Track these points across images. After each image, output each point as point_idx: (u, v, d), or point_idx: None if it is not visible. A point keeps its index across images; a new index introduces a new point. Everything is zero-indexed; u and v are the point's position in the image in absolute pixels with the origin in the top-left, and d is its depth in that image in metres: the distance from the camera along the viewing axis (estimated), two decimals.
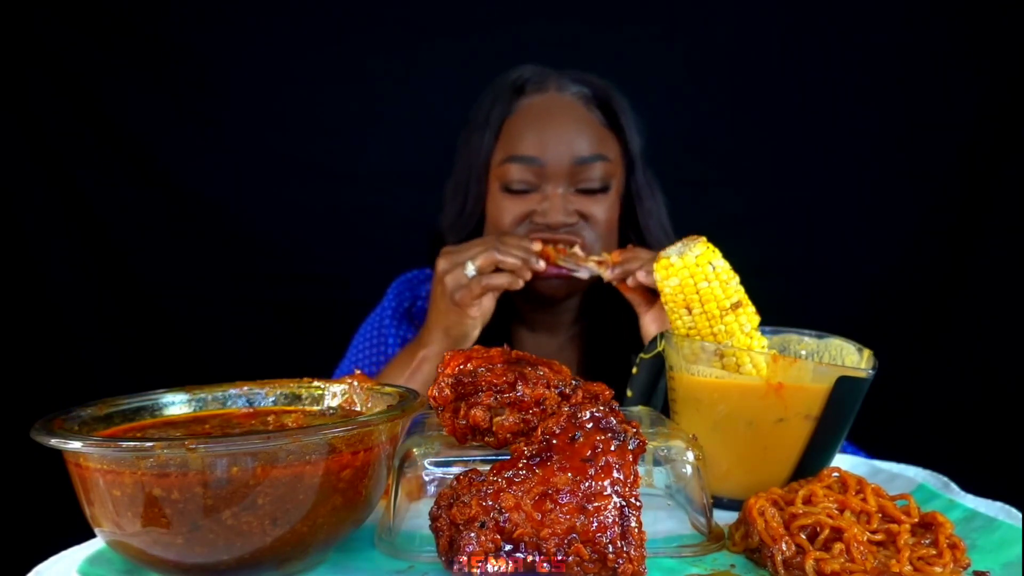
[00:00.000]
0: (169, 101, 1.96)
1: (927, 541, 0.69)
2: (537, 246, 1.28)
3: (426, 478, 0.72)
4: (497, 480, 0.63)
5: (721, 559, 0.71)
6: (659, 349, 0.91)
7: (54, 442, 0.61)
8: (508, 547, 0.62)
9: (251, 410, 0.79)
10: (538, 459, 0.64)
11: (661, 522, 0.75)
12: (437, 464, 0.72)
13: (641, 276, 1.23)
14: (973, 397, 1.99)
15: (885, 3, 1.96)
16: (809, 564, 0.66)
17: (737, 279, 0.84)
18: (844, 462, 0.94)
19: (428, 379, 1.27)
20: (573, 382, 0.69)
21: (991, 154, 1.93)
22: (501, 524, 0.62)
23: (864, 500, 0.72)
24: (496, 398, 0.67)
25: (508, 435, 0.67)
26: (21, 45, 1.89)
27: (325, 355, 1.67)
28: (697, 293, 0.83)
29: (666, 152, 1.93)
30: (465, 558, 0.61)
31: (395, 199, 1.96)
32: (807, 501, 0.72)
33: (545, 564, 0.61)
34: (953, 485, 0.84)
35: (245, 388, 0.80)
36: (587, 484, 0.62)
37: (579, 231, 1.36)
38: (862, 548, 0.67)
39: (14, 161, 1.93)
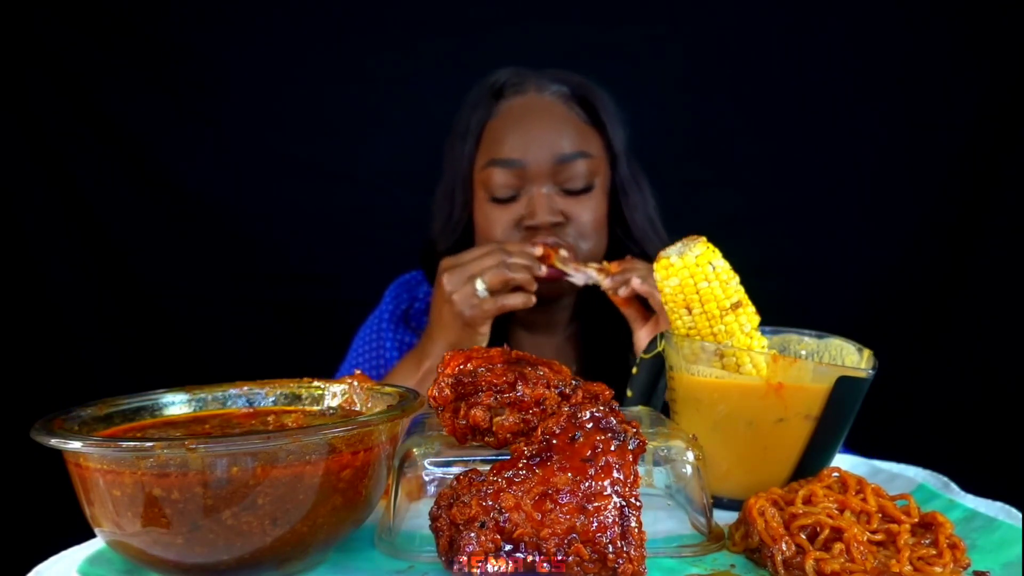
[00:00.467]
0: (169, 101, 1.96)
1: (927, 541, 0.69)
2: (539, 251, 1.28)
3: (426, 478, 0.72)
4: (497, 480, 0.63)
5: (721, 559, 0.71)
6: (659, 349, 0.91)
7: (54, 442, 0.61)
8: (508, 547, 0.62)
9: (251, 410, 0.79)
10: (538, 459, 0.64)
11: (661, 522, 0.75)
12: (437, 464, 0.72)
13: (635, 282, 1.22)
14: (973, 397, 1.99)
15: (885, 3, 1.96)
16: (809, 564, 0.66)
17: (737, 279, 0.84)
18: (844, 462, 0.94)
19: None
20: (573, 382, 0.69)
21: (991, 154, 1.93)
22: (501, 524, 0.62)
23: (864, 500, 0.72)
24: (496, 398, 0.67)
25: (508, 435, 0.67)
26: (21, 45, 1.89)
27: (325, 355, 1.67)
28: (697, 293, 0.83)
29: (666, 152, 1.94)
30: (465, 558, 0.61)
31: (394, 199, 1.96)
32: (807, 501, 0.72)
33: (545, 564, 0.61)
34: (953, 485, 0.84)
35: (245, 388, 0.81)
36: (587, 484, 0.62)
37: (563, 232, 1.35)
38: (862, 548, 0.67)
39: (14, 161, 1.93)
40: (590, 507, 0.62)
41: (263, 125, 2.00)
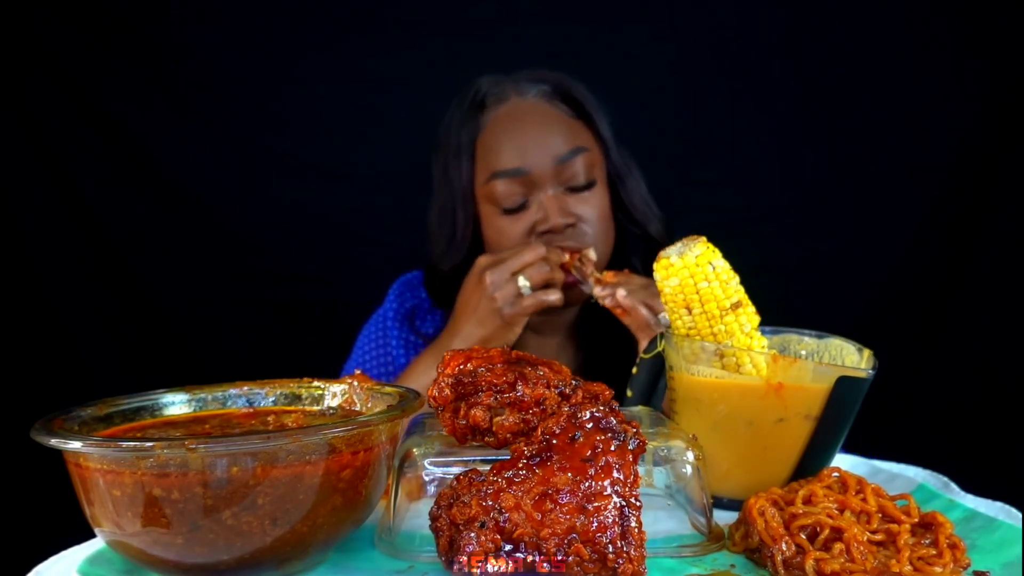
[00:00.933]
0: (169, 101, 1.96)
1: (927, 541, 0.69)
2: (566, 256, 1.29)
3: (426, 478, 0.72)
4: (497, 480, 0.63)
5: (721, 559, 0.71)
6: (659, 349, 0.91)
7: (54, 442, 0.61)
8: (508, 547, 0.62)
9: (251, 410, 0.79)
10: (538, 459, 0.64)
11: (661, 522, 0.75)
12: (437, 464, 0.72)
13: (620, 294, 1.23)
14: (973, 397, 1.98)
15: (885, 3, 1.96)
16: (809, 564, 0.66)
17: (737, 279, 0.84)
18: (844, 462, 0.94)
19: None
20: (573, 382, 0.69)
21: (991, 154, 1.93)
22: (501, 524, 0.62)
23: (864, 500, 0.72)
24: (496, 398, 0.67)
25: (508, 435, 0.67)
26: (21, 45, 1.89)
27: (325, 355, 1.67)
28: (697, 293, 0.83)
29: (665, 152, 1.94)
30: (465, 558, 0.61)
31: (394, 199, 1.96)
32: (807, 501, 0.72)
33: (545, 564, 0.61)
34: (953, 485, 0.84)
35: (245, 388, 0.81)
36: (587, 484, 0.62)
37: (579, 234, 1.36)
38: (862, 548, 0.67)
39: (14, 161, 1.93)
40: (590, 507, 0.62)
41: (263, 125, 2.00)
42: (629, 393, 0.95)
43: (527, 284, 1.25)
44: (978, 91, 1.92)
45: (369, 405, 0.78)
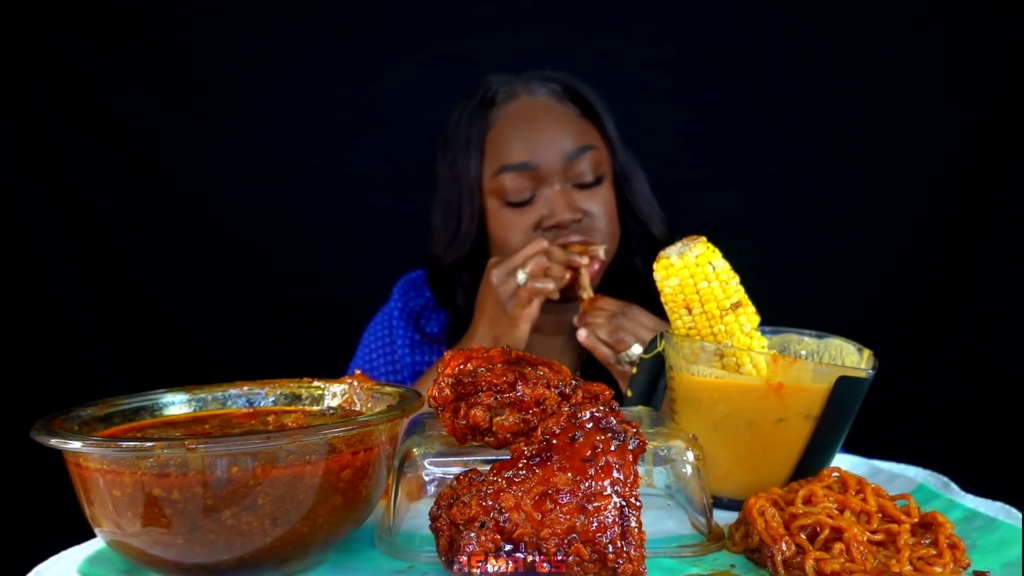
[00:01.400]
0: (169, 101, 1.96)
1: (927, 541, 0.69)
2: (580, 259, 1.30)
3: (426, 478, 0.72)
4: (497, 480, 0.63)
5: (721, 559, 0.71)
6: (659, 349, 0.91)
7: (54, 442, 0.61)
8: (508, 547, 0.62)
9: (251, 410, 0.79)
10: (538, 459, 0.64)
11: (661, 522, 0.75)
12: (437, 464, 0.72)
13: (581, 335, 1.27)
14: (973, 397, 1.98)
15: (885, 3, 1.96)
16: (809, 564, 0.66)
17: (737, 279, 0.84)
18: (844, 462, 0.94)
19: None
20: (573, 382, 0.69)
21: (991, 154, 1.93)
22: (501, 524, 0.62)
23: (864, 500, 0.72)
24: (496, 398, 0.67)
25: (508, 435, 0.67)
26: (21, 45, 1.89)
27: (325, 355, 1.67)
28: (697, 293, 0.83)
29: (666, 152, 1.93)
30: (465, 558, 0.61)
31: (394, 199, 1.96)
32: (807, 501, 0.72)
33: (545, 564, 0.61)
34: (953, 485, 0.84)
35: (245, 388, 0.81)
36: (587, 484, 0.62)
37: (586, 228, 1.37)
38: (862, 548, 0.67)
39: (14, 161, 1.93)
40: (590, 507, 0.62)
41: (263, 125, 2.00)
42: (629, 393, 0.95)
43: (524, 276, 1.27)
44: (978, 91, 1.92)
45: (369, 405, 0.78)
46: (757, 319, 0.85)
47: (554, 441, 0.64)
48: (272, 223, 2.02)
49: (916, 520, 0.71)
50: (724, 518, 0.78)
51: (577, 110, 1.42)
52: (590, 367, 1.47)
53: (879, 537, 0.69)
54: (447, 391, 0.68)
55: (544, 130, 1.38)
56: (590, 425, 0.65)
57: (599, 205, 1.38)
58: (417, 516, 0.71)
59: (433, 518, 0.65)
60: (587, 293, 1.31)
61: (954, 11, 1.92)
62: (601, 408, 0.66)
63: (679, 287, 0.83)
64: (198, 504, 0.59)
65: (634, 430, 0.65)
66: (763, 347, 0.86)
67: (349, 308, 1.74)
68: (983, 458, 1.79)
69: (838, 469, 0.78)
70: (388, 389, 0.77)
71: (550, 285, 1.27)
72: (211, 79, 1.96)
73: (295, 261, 2.04)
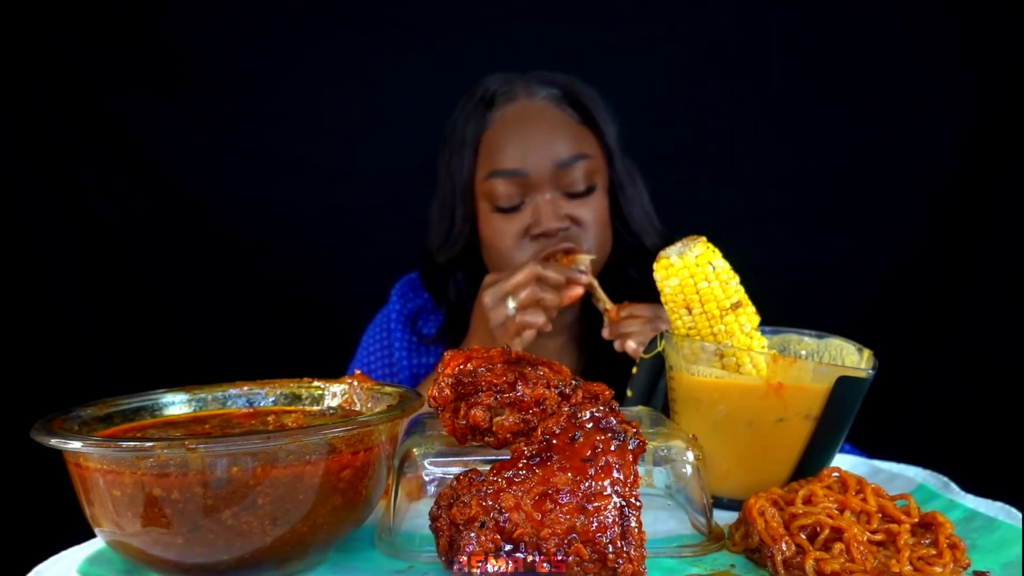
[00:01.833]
0: (169, 101, 1.96)
1: (927, 541, 0.69)
2: (585, 278, 1.28)
3: (426, 478, 0.72)
4: (497, 480, 0.63)
5: (721, 559, 0.71)
6: (659, 349, 0.91)
7: (54, 442, 0.61)
8: (508, 547, 0.62)
9: (251, 410, 0.79)
10: (538, 459, 0.64)
11: (661, 522, 0.75)
12: (437, 464, 0.72)
13: (630, 348, 1.23)
14: (973, 397, 1.98)
15: (886, 3, 1.96)
16: (809, 564, 0.66)
17: (737, 279, 0.84)
18: (844, 462, 0.94)
19: None
20: (573, 382, 0.69)
21: (991, 154, 1.93)
22: (501, 524, 0.62)
23: (864, 500, 0.72)
24: (496, 398, 0.67)
25: (508, 435, 0.67)
26: (21, 45, 1.89)
27: (325, 355, 1.67)
28: (697, 293, 0.83)
29: (665, 152, 1.94)
30: (465, 558, 0.61)
31: (395, 199, 1.96)
32: (807, 501, 0.72)
33: (545, 564, 0.61)
34: (953, 485, 0.84)
35: (245, 388, 0.81)
36: (587, 484, 0.62)
37: (574, 236, 1.36)
38: (862, 548, 0.67)
39: (14, 161, 1.93)
40: (590, 507, 0.62)
41: (263, 125, 2.00)
42: (629, 393, 0.95)
43: (514, 307, 1.24)
44: (978, 91, 1.92)
45: (369, 405, 0.78)
46: (757, 319, 0.85)
47: (554, 441, 0.64)
48: (272, 223, 2.02)
49: (916, 520, 0.71)
50: (724, 518, 0.78)
51: (576, 116, 1.41)
52: (591, 367, 1.47)
53: (879, 537, 0.69)
54: (447, 391, 0.68)
55: (537, 136, 1.36)
56: (590, 425, 0.65)
57: (589, 214, 1.37)
58: (417, 516, 0.71)
59: (433, 518, 0.65)
60: (606, 304, 1.28)
61: (954, 11, 1.92)
62: (601, 408, 0.66)
63: (679, 287, 0.83)
64: (198, 504, 0.59)
65: (634, 430, 0.65)
66: (763, 347, 0.86)
67: (349, 308, 1.74)
68: (983, 458, 1.79)
69: (838, 469, 0.78)
70: (388, 389, 0.77)
71: (540, 319, 1.24)
72: (211, 79, 1.97)
73: (295, 261, 2.04)
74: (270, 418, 0.76)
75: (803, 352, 0.91)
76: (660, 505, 0.77)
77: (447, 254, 1.45)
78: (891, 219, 2.00)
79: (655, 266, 0.84)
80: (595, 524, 0.61)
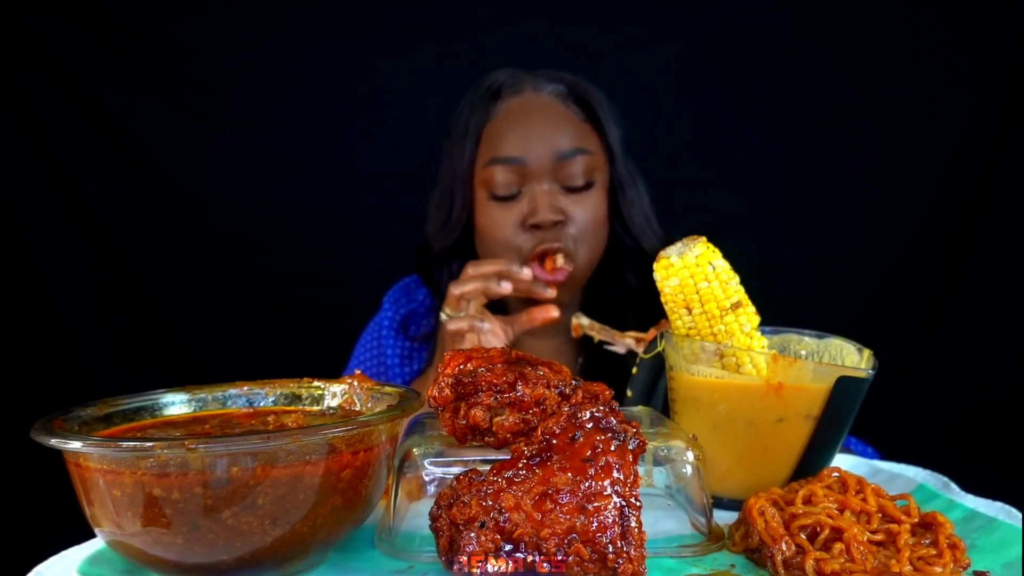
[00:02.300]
0: (169, 101, 1.96)
1: (927, 541, 0.69)
2: (528, 272, 1.27)
3: (426, 478, 0.72)
4: (497, 480, 0.63)
5: (721, 559, 0.71)
6: (659, 349, 0.91)
7: (54, 442, 0.61)
8: (508, 547, 0.62)
9: (251, 410, 0.79)
10: (538, 459, 0.64)
11: (661, 522, 0.75)
12: (437, 464, 0.72)
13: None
14: (973, 397, 1.99)
15: (886, 4, 1.96)
16: (809, 564, 0.66)
17: (737, 279, 0.84)
18: (844, 462, 0.94)
19: None
20: (573, 382, 0.69)
21: (991, 154, 1.93)
22: (501, 524, 0.62)
23: (864, 500, 0.72)
24: (496, 398, 0.67)
25: (508, 435, 0.67)
26: (21, 45, 1.89)
27: (325, 355, 1.67)
28: (697, 293, 0.83)
29: (666, 152, 1.94)
30: (465, 558, 0.61)
31: (395, 199, 1.96)
32: (807, 501, 0.72)
33: (545, 564, 0.61)
34: (953, 485, 0.84)
35: (245, 388, 0.80)
36: (587, 484, 0.62)
37: (565, 230, 1.36)
38: (862, 548, 0.67)
39: (14, 161, 1.93)
40: (590, 507, 0.62)
41: (263, 125, 2.00)
42: (629, 393, 0.95)
43: (444, 317, 1.26)
44: (978, 90, 1.92)
45: (369, 405, 0.78)
46: (757, 319, 0.85)
47: (554, 441, 0.64)
48: (272, 223, 2.02)
49: (916, 520, 0.71)
50: (724, 518, 0.78)
51: (581, 113, 1.41)
52: (590, 368, 1.47)
53: (879, 537, 0.69)
54: (447, 391, 0.68)
55: (540, 127, 1.37)
56: (590, 425, 0.65)
57: (585, 211, 1.37)
58: (417, 516, 0.71)
59: (433, 518, 0.65)
60: (633, 336, 1.20)
61: (954, 11, 1.92)
62: (601, 408, 0.66)
63: (679, 287, 0.83)
64: (198, 504, 0.59)
65: (634, 430, 0.65)
66: (763, 347, 0.86)
67: (349, 308, 1.74)
68: (983, 458, 1.79)
69: (838, 469, 0.78)
70: (388, 389, 0.77)
71: (463, 323, 1.23)
72: (212, 79, 1.97)
73: (295, 261, 2.04)
74: (270, 418, 0.76)
75: (803, 352, 0.91)
76: (660, 505, 0.77)
77: (443, 242, 1.45)
78: (891, 219, 2.00)
79: (655, 266, 0.84)
80: (595, 524, 0.61)
